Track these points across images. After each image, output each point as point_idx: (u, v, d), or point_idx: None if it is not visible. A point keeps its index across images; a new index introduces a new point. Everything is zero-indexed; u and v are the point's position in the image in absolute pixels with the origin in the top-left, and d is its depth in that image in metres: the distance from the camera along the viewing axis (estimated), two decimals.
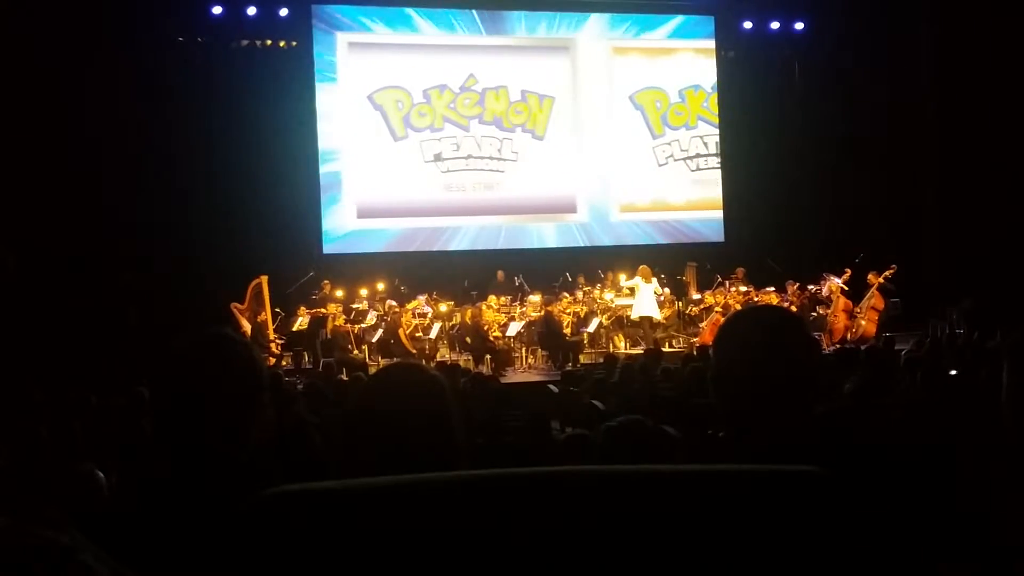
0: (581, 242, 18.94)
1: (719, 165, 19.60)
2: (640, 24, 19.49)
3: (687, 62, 19.70)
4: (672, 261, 17.64)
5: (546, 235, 18.90)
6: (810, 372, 1.92)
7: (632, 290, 15.79)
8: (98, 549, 0.95)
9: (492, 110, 18.58)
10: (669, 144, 19.57)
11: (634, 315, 15.78)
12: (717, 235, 19.50)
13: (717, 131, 19.64)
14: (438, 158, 18.07)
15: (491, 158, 18.54)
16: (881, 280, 15.69)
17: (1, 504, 0.88)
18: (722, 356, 1.96)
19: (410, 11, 18.31)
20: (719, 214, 19.56)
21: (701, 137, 19.68)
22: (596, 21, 19.22)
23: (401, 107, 18.13)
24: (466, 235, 18.48)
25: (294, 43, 17.93)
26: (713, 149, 19.70)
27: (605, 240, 19.07)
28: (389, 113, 18.07)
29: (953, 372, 7.40)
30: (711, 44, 19.83)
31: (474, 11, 18.63)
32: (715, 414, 2.11)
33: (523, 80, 18.80)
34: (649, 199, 19.36)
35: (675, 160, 19.59)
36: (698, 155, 19.67)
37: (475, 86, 18.51)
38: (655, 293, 15.80)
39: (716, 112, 19.66)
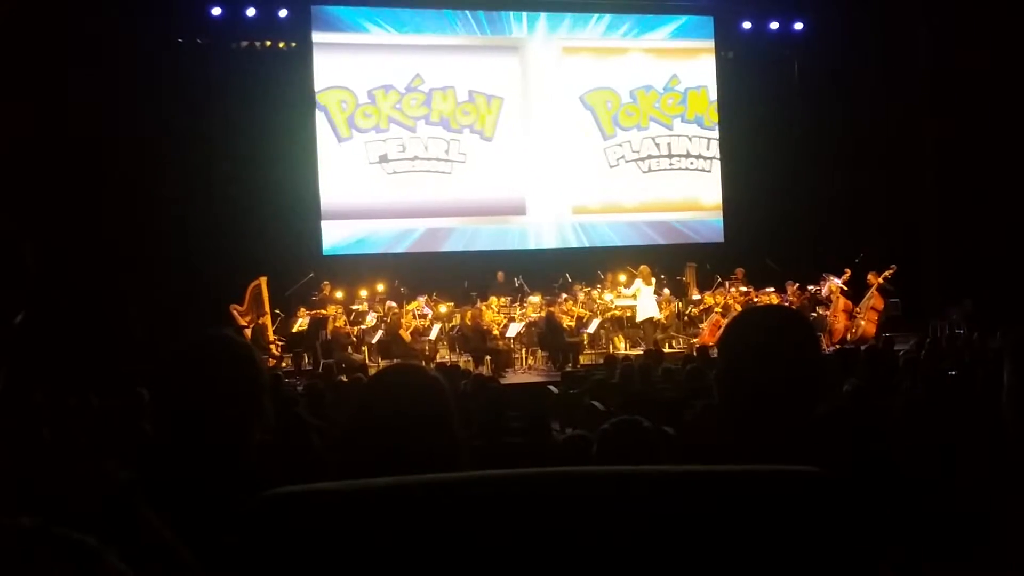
0: (578, 243, 18.91)
1: (691, 166, 19.49)
2: (641, 25, 19.47)
3: (638, 62, 19.46)
4: (672, 262, 17.64)
5: (545, 236, 18.86)
6: (814, 373, 1.92)
7: (635, 294, 15.79)
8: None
9: (439, 111, 18.36)
10: (620, 145, 19.28)
11: (639, 318, 15.78)
12: (717, 235, 19.49)
13: (689, 131, 19.49)
14: (383, 159, 17.96)
15: (438, 159, 18.31)
16: (881, 280, 15.69)
17: (19, 505, 0.88)
18: (727, 356, 1.96)
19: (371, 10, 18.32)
20: (716, 214, 19.54)
21: (653, 138, 19.40)
22: (547, 21, 18.89)
23: (345, 107, 18.04)
24: (430, 236, 18.39)
25: (293, 44, 17.93)
26: (684, 149, 19.48)
27: (568, 242, 19.06)
28: (333, 113, 18.01)
29: (953, 372, 7.40)
30: (672, 43, 19.66)
31: (441, 10, 18.48)
32: (717, 414, 2.11)
33: (471, 80, 18.59)
34: (600, 201, 19.06)
35: (627, 161, 19.31)
36: (650, 156, 19.45)
37: (421, 86, 18.30)
38: (654, 293, 15.81)
39: (691, 111, 19.50)
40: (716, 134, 19.66)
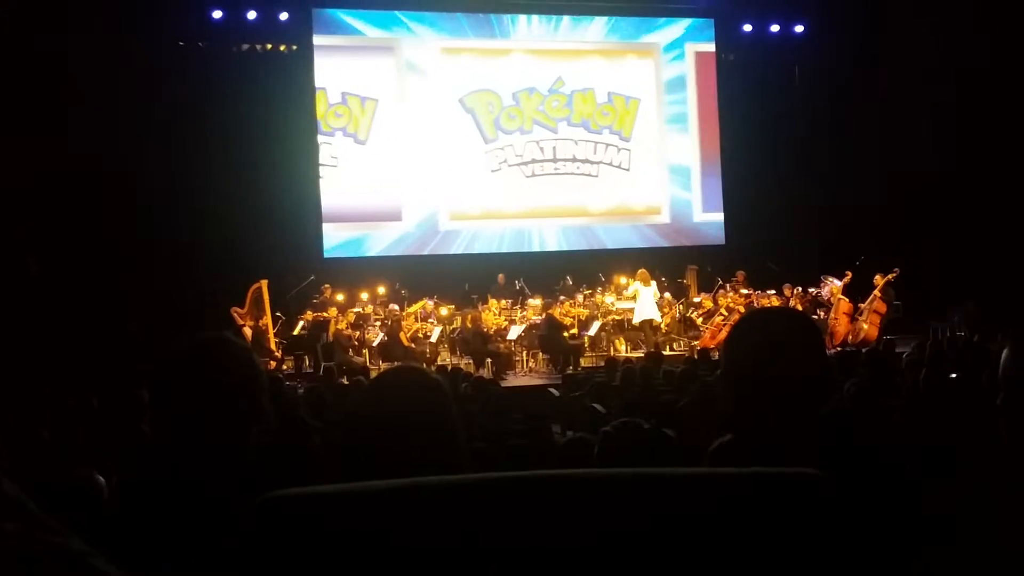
0: (578, 246, 18.90)
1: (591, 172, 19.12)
2: (641, 27, 19.48)
3: (523, 63, 18.98)
4: (673, 264, 17.65)
5: (547, 238, 18.87)
6: (819, 375, 1.92)
7: (634, 296, 15.80)
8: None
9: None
10: (502, 149, 18.78)
11: (636, 320, 15.78)
12: (718, 238, 19.50)
13: (575, 135, 19.12)
14: None
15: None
16: (884, 283, 15.69)
17: (7, 508, 0.88)
18: (732, 357, 1.96)
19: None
20: (718, 217, 19.55)
21: (537, 142, 18.91)
22: (426, 20, 18.48)
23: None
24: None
25: (294, 47, 17.95)
26: (570, 153, 19.10)
27: (569, 245, 18.98)
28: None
29: (954, 375, 7.39)
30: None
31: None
32: (719, 416, 2.10)
33: (343, 82, 18.17)
34: (480, 207, 18.57)
35: (509, 166, 18.78)
36: (534, 160, 18.92)
37: None
38: (654, 296, 15.81)
39: (578, 114, 19.11)
40: (604, 138, 19.21)
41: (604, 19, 19.31)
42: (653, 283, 15.86)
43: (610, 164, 19.24)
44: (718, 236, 19.53)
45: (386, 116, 18.17)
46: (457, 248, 18.41)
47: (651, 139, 19.46)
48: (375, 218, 18.04)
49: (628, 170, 19.29)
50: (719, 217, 19.65)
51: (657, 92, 19.61)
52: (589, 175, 19.16)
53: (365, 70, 18.17)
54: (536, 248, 18.72)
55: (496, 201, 18.63)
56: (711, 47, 19.80)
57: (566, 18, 19.16)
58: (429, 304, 15.92)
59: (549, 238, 18.90)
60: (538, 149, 18.92)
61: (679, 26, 19.75)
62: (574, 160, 19.08)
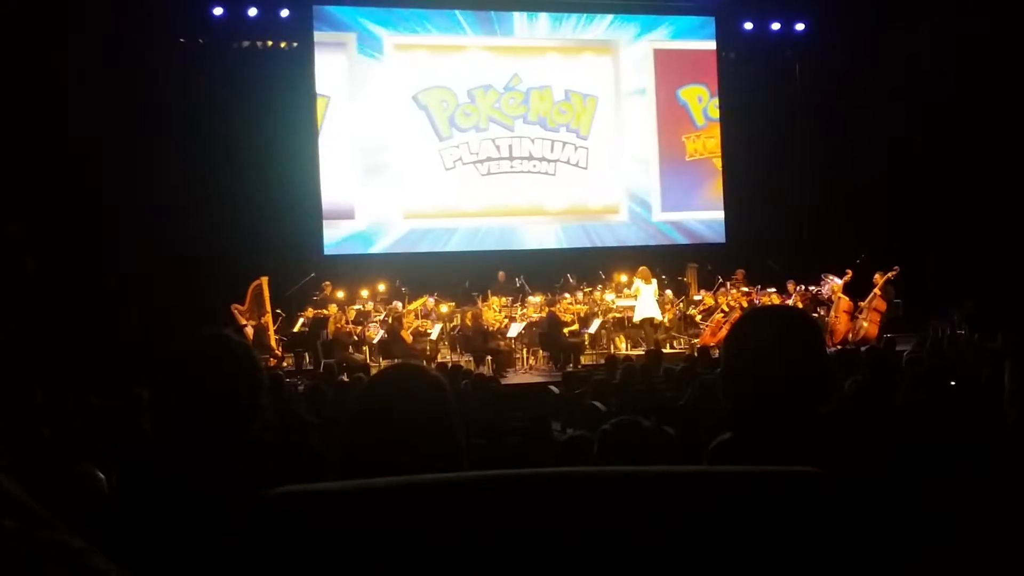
0: (579, 243, 18.88)
1: (547, 170, 18.81)
2: (642, 25, 19.46)
3: (479, 60, 18.66)
4: (673, 262, 17.64)
5: (546, 236, 18.86)
6: (819, 373, 1.92)
7: (635, 294, 15.80)
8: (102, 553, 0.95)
9: None
10: (457, 147, 18.46)
11: (636, 318, 15.77)
12: (718, 236, 19.49)
13: (532, 133, 18.80)
14: None
15: None
16: (884, 281, 15.69)
17: (7, 506, 0.88)
18: (732, 355, 1.96)
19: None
20: (718, 215, 19.55)
21: (493, 140, 18.58)
22: (378, 16, 18.19)
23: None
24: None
25: (295, 44, 17.95)
26: (526, 152, 18.77)
27: (570, 242, 18.87)
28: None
29: (954, 375, 7.40)
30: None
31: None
32: (719, 414, 2.10)
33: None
34: (435, 205, 18.25)
35: (464, 164, 18.48)
36: (490, 158, 18.57)
37: None
38: (654, 294, 15.80)
39: (534, 112, 18.82)
40: (561, 136, 18.98)
41: (571, 16, 19.08)
42: (654, 281, 15.85)
43: (567, 162, 19.00)
44: (718, 234, 19.52)
45: (338, 113, 17.97)
46: (406, 247, 18.11)
47: (609, 137, 19.23)
48: (328, 216, 17.83)
49: (586, 168, 19.06)
50: (702, 216, 19.60)
51: (615, 89, 19.34)
52: (546, 173, 18.92)
53: (318, 67, 17.98)
54: (499, 247, 18.56)
55: (451, 200, 18.35)
56: (711, 45, 19.77)
57: (522, 14, 18.91)
58: (430, 301, 15.92)
59: (519, 236, 18.82)
60: (494, 147, 18.67)
61: (638, 24, 19.46)
62: (530, 158, 18.82)
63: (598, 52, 19.36)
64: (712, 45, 19.78)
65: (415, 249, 18.07)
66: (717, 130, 19.76)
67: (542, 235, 18.92)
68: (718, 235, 19.53)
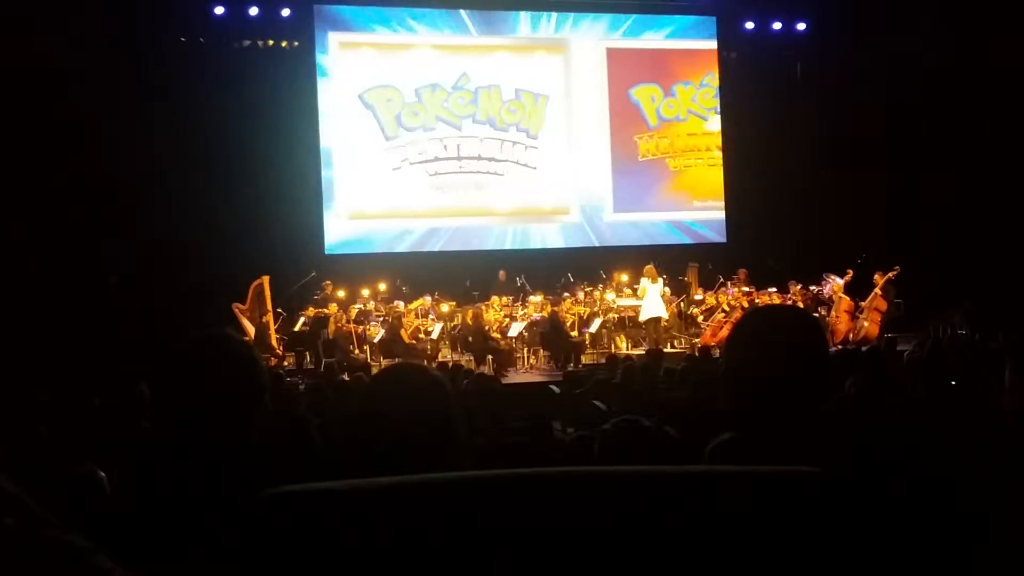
0: (580, 243, 18.82)
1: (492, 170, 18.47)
2: (642, 25, 19.44)
3: (426, 58, 18.30)
4: (674, 262, 17.64)
5: (549, 236, 18.84)
6: (821, 373, 1.92)
7: (642, 293, 15.79)
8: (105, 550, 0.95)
9: None
10: (404, 147, 18.11)
11: (642, 317, 15.75)
12: (719, 236, 19.47)
13: (480, 133, 18.47)
14: None
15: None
16: (885, 281, 15.69)
17: (11, 505, 0.88)
18: (733, 355, 1.96)
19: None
20: (719, 215, 19.53)
21: (440, 139, 18.21)
22: (324, 14, 17.92)
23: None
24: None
25: (296, 43, 17.95)
26: (475, 152, 18.42)
27: (571, 242, 18.77)
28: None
29: (955, 375, 7.39)
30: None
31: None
32: (720, 414, 2.11)
33: None
34: (382, 207, 17.89)
35: (411, 164, 18.12)
36: (437, 159, 18.20)
37: None
38: (660, 293, 15.79)
39: (483, 111, 18.48)
40: (510, 135, 18.67)
41: (525, 14, 18.82)
42: (660, 280, 15.84)
43: (517, 163, 18.68)
44: (719, 234, 19.50)
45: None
46: (352, 249, 17.94)
47: (560, 137, 18.91)
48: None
49: (535, 169, 18.73)
50: (687, 216, 19.53)
51: (567, 89, 19.03)
52: (495, 174, 18.59)
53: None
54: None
55: (398, 200, 18.04)
56: (713, 44, 19.75)
57: (471, 12, 18.61)
58: (427, 301, 15.91)
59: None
60: (441, 147, 18.31)
61: (594, 22, 19.21)
62: (479, 159, 18.44)
63: (550, 51, 19.04)
64: (713, 44, 19.74)
65: (363, 251, 17.89)
66: (671, 130, 19.46)
67: (525, 235, 18.77)
68: (719, 234, 19.50)
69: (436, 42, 18.49)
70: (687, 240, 19.30)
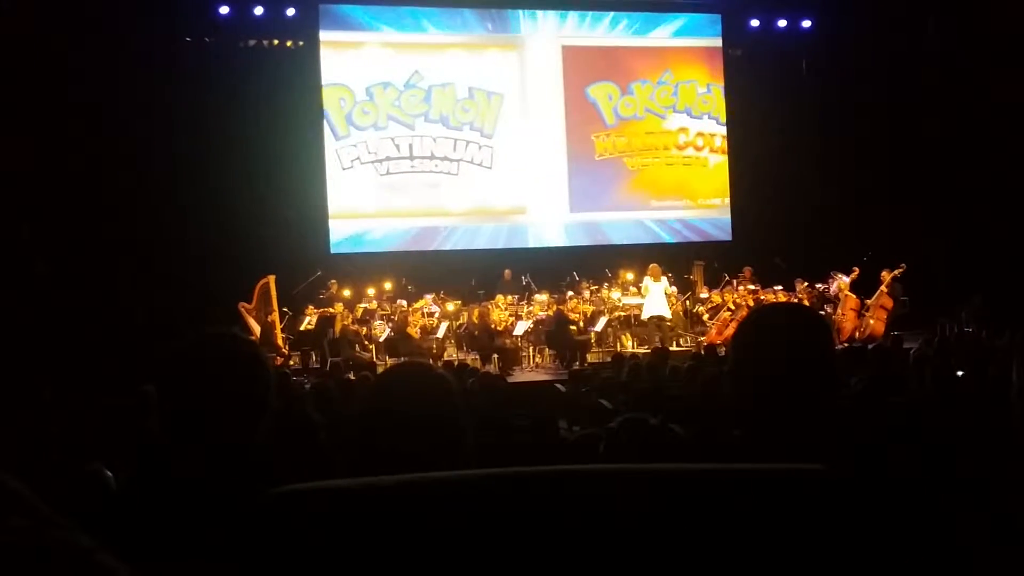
0: (585, 241, 18.77)
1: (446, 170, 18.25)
2: (647, 22, 19.41)
3: (377, 57, 18.08)
4: (679, 260, 17.63)
5: (551, 235, 18.80)
6: (827, 371, 1.92)
7: (640, 290, 15.80)
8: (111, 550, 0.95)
9: None
10: (355, 146, 17.89)
11: (644, 315, 15.76)
12: (724, 234, 19.44)
13: (433, 131, 18.22)
14: None
15: None
16: (891, 278, 15.67)
17: (17, 505, 0.88)
18: (739, 353, 1.95)
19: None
20: (721, 212, 19.50)
21: (392, 139, 17.96)
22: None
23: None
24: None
25: (301, 43, 17.95)
26: (428, 151, 18.15)
27: (576, 240, 18.68)
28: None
29: (961, 371, 7.38)
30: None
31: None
32: (727, 412, 2.11)
33: None
34: (334, 207, 17.73)
35: (362, 163, 17.91)
36: (389, 158, 17.92)
37: None
38: (665, 292, 15.79)
39: (436, 109, 18.24)
40: (464, 134, 18.37)
41: (481, 11, 18.56)
42: (663, 279, 15.83)
43: (471, 162, 18.45)
44: (725, 232, 19.47)
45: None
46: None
47: (515, 136, 18.62)
48: None
49: (490, 168, 18.51)
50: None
51: (522, 87, 18.76)
52: (448, 173, 18.35)
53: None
54: (539, 244, 18.63)
55: (349, 200, 17.88)
56: (718, 42, 19.71)
57: (424, 10, 18.35)
58: (428, 299, 15.91)
59: (554, 234, 18.82)
60: (393, 146, 18.04)
61: (549, 19, 18.96)
62: (432, 158, 18.21)
63: (504, 49, 18.77)
64: (718, 42, 19.71)
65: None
66: (628, 129, 19.17)
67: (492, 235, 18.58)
68: (724, 233, 19.47)
69: (388, 40, 18.22)
70: (692, 239, 19.22)
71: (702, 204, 19.48)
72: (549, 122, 18.87)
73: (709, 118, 19.65)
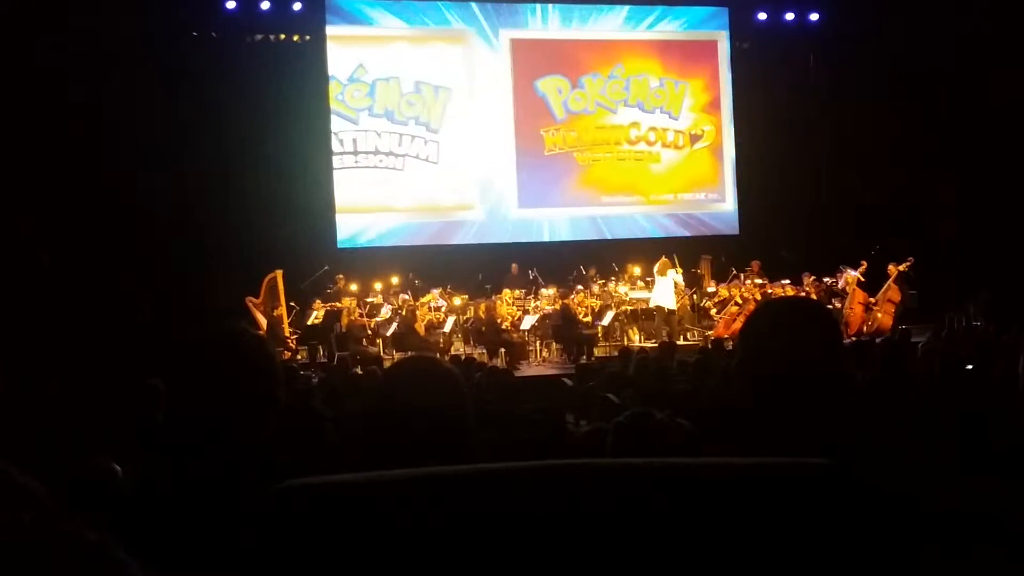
0: (592, 235, 18.72)
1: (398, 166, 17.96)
2: (656, 15, 19.34)
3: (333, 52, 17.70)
4: (687, 254, 17.60)
5: (559, 228, 18.77)
6: (834, 365, 1.92)
7: (648, 285, 15.80)
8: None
9: None
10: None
11: (651, 304, 15.79)
12: (732, 228, 19.39)
13: (378, 126, 17.88)
14: None
15: None
16: (898, 272, 15.64)
17: (24, 499, 0.88)
18: (747, 347, 1.95)
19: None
20: (729, 207, 19.46)
21: (336, 133, 17.58)
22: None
23: None
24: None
25: (308, 37, 17.94)
26: (372, 146, 17.79)
27: (583, 235, 18.54)
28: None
29: (970, 366, 7.36)
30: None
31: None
32: (734, 406, 2.11)
33: None
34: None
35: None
36: (333, 153, 17.54)
37: None
38: (675, 284, 15.76)
39: (380, 104, 17.89)
40: (409, 129, 18.03)
41: (429, 4, 18.26)
42: (671, 272, 15.79)
43: (416, 157, 18.13)
44: (732, 226, 19.42)
45: None
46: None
47: (462, 131, 18.32)
48: None
49: (436, 163, 18.25)
50: (728, 207, 19.49)
51: (469, 81, 18.46)
52: (393, 168, 17.97)
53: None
54: (546, 238, 18.61)
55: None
56: (724, 35, 19.66)
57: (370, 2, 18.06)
58: (435, 294, 15.91)
59: (561, 229, 18.79)
60: (337, 141, 17.68)
61: (501, 12, 18.64)
62: (376, 153, 17.84)
63: (451, 42, 18.47)
64: (725, 35, 19.65)
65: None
66: (578, 123, 18.81)
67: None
68: (731, 227, 19.41)
69: (331, 33, 17.89)
70: (699, 233, 19.16)
71: (654, 200, 19.02)
72: (497, 117, 18.47)
73: (661, 112, 19.20)
